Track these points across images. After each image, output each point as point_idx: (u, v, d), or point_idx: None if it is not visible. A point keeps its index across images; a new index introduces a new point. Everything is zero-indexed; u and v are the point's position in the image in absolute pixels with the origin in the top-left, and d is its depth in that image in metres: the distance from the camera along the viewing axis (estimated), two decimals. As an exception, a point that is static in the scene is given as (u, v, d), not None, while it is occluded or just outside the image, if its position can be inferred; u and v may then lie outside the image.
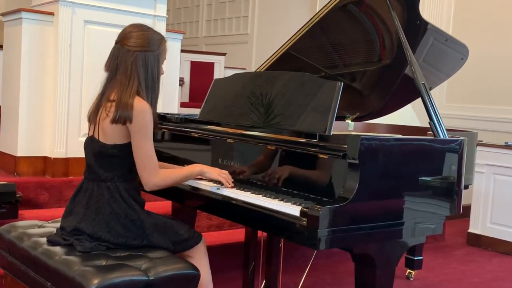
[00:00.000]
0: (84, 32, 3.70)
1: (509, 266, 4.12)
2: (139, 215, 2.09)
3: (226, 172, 2.22)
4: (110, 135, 2.07)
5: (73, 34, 3.65)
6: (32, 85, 3.65)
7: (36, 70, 3.66)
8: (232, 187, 2.18)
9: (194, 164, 2.31)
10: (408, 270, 3.61)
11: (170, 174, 2.17)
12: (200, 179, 2.28)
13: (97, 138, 2.11)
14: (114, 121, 2.03)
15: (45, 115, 3.69)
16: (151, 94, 2.13)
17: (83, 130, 3.68)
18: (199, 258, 2.19)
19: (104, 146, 2.08)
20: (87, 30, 3.70)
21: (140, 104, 2.05)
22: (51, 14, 3.66)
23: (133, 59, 2.08)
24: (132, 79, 2.07)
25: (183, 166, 2.49)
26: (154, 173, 2.08)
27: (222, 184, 2.19)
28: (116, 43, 2.15)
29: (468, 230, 4.65)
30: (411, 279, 3.61)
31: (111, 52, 2.16)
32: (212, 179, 2.23)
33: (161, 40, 2.18)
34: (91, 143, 2.14)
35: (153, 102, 2.14)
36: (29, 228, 2.30)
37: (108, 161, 2.09)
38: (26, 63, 3.63)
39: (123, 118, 2.02)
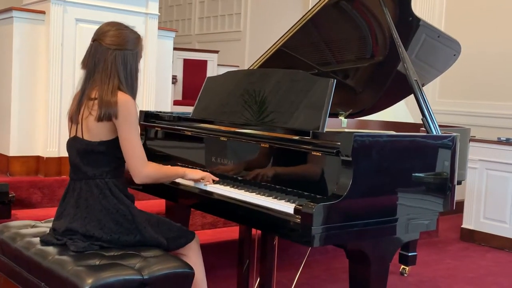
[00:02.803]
0: (75, 30, 3.68)
1: (502, 260, 4.14)
2: (130, 210, 2.09)
3: (207, 173, 2.27)
4: (96, 132, 2.07)
5: (64, 32, 3.63)
6: (24, 84, 3.63)
7: (28, 69, 3.64)
8: (215, 182, 2.22)
9: (179, 168, 2.33)
10: (402, 266, 3.62)
11: (159, 168, 2.19)
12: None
13: (81, 137, 2.10)
14: (99, 118, 2.03)
15: (37, 114, 3.67)
16: (131, 91, 2.14)
17: (76, 129, 3.66)
18: (193, 257, 2.19)
19: (90, 144, 2.07)
20: (79, 28, 3.68)
21: (123, 98, 2.05)
22: (42, 12, 3.64)
23: (113, 58, 2.09)
24: (112, 77, 2.08)
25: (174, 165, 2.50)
26: (143, 163, 2.08)
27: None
28: (93, 41, 2.14)
29: (462, 226, 4.67)
30: (405, 275, 3.62)
31: (88, 50, 2.15)
32: (194, 179, 2.26)
33: (138, 38, 2.19)
34: (74, 143, 2.13)
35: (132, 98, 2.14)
36: (22, 228, 2.28)
37: (95, 158, 2.08)
38: (17, 62, 3.61)
39: (107, 114, 2.03)
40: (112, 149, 2.08)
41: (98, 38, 2.13)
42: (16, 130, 3.62)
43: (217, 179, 2.28)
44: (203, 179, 2.25)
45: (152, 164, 2.14)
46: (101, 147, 2.07)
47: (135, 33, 2.19)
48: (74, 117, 2.13)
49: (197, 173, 2.26)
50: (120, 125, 2.04)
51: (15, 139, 3.63)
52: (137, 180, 2.10)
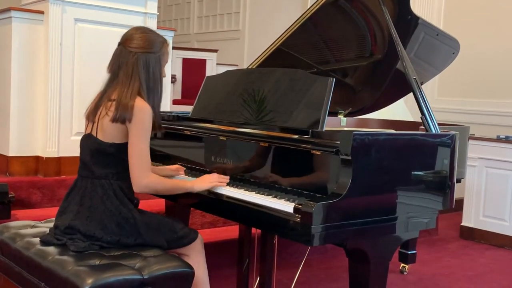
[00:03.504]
0: (74, 30, 3.67)
1: (502, 258, 4.15)
2: (132, 213, 2.09)
3: (215, 175, 2.20)
4: (109, 133, 2.07)
5: (63, 32, 3.63)
6: (23, 84, 3.63)
7: (27, 69, 3.64)
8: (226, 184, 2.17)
9: (185, 181, 2.26)
10: (402, 264, 3.63)
11: (161, 180, 2.15)
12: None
13: (95, 135, 2.11)
14: (114, 120, 2.04)
15: (36, 114, 3.67)
16: (153, 96, 2.14)
17: (75, 128, 3.66)
18: (195, 256, 2.20)
19: (101, 143, 2.08)
20: (78, 28, 3.68)
21: (140, 104, 2.06)
22: (41, 12, 3.64)
23: (135, 60, 2.10)
24: (133, 80, 2.09)
25: (175, 164, 2.49)
26: (145, 173, 2.07)
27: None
28: (118, 45, 2.17)
29: (461, 224, 4.67)
30: (405, 273, 3.63)
31: (113, 54, 2.18)
32: (205, 189, 2.18)
33: (163, 42, 2.21)
34: (88, 141, 2.14)
35: (155, 104, 2.15)
36: (22, 229, 2.29)
37: (104, 159, 2.09)
38: (16, 62, 3.61)
39: (122, 117, 2.03)
40: (121, 153, 2.08)
41: (123, 42, 2.16)
42: (15, 130, 3.62)
43: (227, 178, 2.21)
44: (213, 187, 2.16)
45: (153, 176, 2.11)
46: (112, 149, 2.08)
47: (161, 37, 2.21)
48: (91, 116, 2.14)
49: (205, 183, 2.17)
50: (132, 130, 2.05)
51: (15, 139, 3.63)
52: (136, 188, 2.09)
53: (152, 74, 2.13)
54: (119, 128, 2.06)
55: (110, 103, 2.08)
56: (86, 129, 2.17)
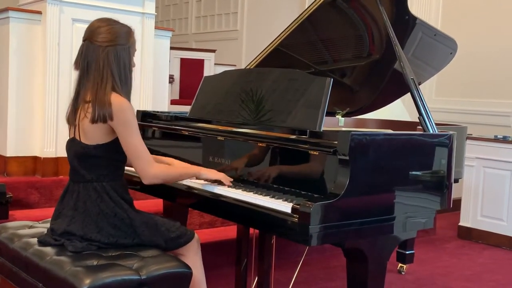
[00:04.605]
0: (72, 30, 3.68)
1: (499, 258, 4.15)
2: (128, 214, 2.08)
3: (223, 174, 2.20)
4: (92, 135, 2.04)
5: (61, 32, 3.63)
6: (21, 84, 3.63)
7: (25, 69, 3.64)
8: (230, 186, 2.17)
9: (190, 165, 2.29)
10: (400, 264, 3.63)
11: (166, 168, 2.16)
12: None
13: (78, 139, 2.08)
14: (94, 120, 2.00)
15: (34, 115, 3.67)
16: (125, 88, 2.09)
17: (73, 129, 3.66)
18: (192, 256, 2.19)
19: (86, 147, 2.05)
20: (75, 28, 3.68)
21: (118, 101, 2.01)
22: (39, 13, 3.64)
23: (105, 55, 2.04)
24: (105, 76, 2.04)
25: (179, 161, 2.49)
26: (149, 164, 2.06)
27: (221, 183, 2.17)
28: (84, 40, 2.10)
29: (459, 223, 4.68)
30: (403, 273, 3.63)
31: (79, 50, 2.11)
32: (210, 179, 2.21)
33: (130, 32, 2.14)
34: (72, 145, 2.11)
35: (127, 96, 2.10)
36: (20, 229, 2.28)
37: (91, 162, 2.06)
38: (14, 62, 3.61)
39: (102, 116, 1.99)
40: (108, 152, 2.06)
41: (88, 36, 2.09)
42: (13, 130, 3.62)
43: (231, 180, 2.20)
44: (220, 181, 2.17)
45: (159, 165, 2.12)
46: (98, 151, 2.05)
47: (126, 26, 2.14)
48: (70, 120, 2.11)
49: (213, 174, 2.18)
50: (119, 129, 2.02)
51: (12, 139, 3.63)
52: (146, 181, 2.07)
53: (123, 66, 2.08)
54: (101, 128, 2.03)
55: (87, 105, 2.03)
56: (69, 133, 2.15)
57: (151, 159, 2.09)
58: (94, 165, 2.06)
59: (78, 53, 2.12)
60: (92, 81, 2.05)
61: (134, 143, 2.03)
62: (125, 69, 2.10)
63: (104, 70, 2.04)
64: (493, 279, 3.64)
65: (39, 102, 3.65)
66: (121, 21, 2.16)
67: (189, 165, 2.32)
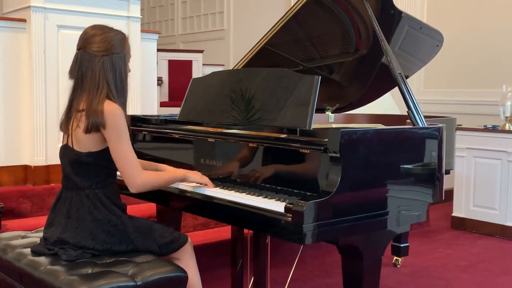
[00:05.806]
0: (57, 37, 3.66)
1: (493, 247, 4.18)
2: (122, 220, 2.07)
3: (206, 177, 2.22)
4: (84, 143, 2.03)
5: (46, 40, 3.61)
6: (8, 93, 3.61)
7: (11, 78, 3.61)
8: (213, 187, 2.18)
9: (176, 169, 2.30)
10: (395, 257, 3.65)
11: (154, 176, 2.15)
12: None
13: (71, 146, 2.07)
14: (87, 130, 1.99)
15: (22, 123, 3.64)
16: (121, 96, 2.09)
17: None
18: (186, 260, 2.18)
19: (78, 154, 2.04)
20: (61, 35, 3.66)
21: (109, 108, 2.00)
22: (23, 20, 3.61)
23: (101, 65, 2.04)
24: (101, 85, 2.02)
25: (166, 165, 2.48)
26: (136, 173, 2.04)
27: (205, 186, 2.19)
28: (78, 49, 2.09)
29: (452, 214, 4.71)
30: (398, 266, 3.65)
31: (74, 58, 2.10)
32: (195, 181, 2.21)
33: (124, 39, 2.13)
34: (66, 152, 2.10)
35: (123, 103, 2.09)
36: (13, 239, 2.26)
37: (84, 169, 2.05)
38: (0, 71, 3.57)
39: (95, 125, 1.99)
40: (100, 160, 2.05)
41: (83, 45, 2.07)
42: (1, 140, 3.60)
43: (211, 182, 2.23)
44: (205, 184, 2.19)
45: (145, 174, 2.09)
46: (90, 158, 2.04)
47: (120, 33, 2.13)
48: (64, 127, 2.11)
49: (197, 175, 2.19)
50: (109, 135, 2.00)
51: (1, 149, 3.60)
52: (132, 189, 2.06)
53: (119, 75, 2.08)
54: (95, 137, 2.02)
55: (80, 114, 2.02)
56: (63, 139, 2.14)
57: (139, 168, 2.07)
58: (87, 173, 2.06)
59: (73, 62, 2.10)
60: (87, 91, 2.04)
61: (122, 149, 2.02)
62: (121, 76, 2.09)
63: (100, 80, 2.03)
64: (487, 269, 3.67)
65: (27, 110, 3.63)
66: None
67: (175, 169, 2.31)
